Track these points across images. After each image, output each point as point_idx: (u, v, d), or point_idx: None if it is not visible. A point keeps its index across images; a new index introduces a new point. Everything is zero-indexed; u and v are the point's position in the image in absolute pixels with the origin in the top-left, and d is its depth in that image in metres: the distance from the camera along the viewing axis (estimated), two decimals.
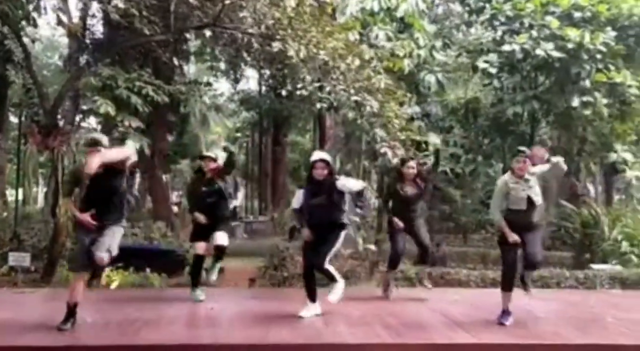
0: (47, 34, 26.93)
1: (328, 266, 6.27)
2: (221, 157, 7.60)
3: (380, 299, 7.44)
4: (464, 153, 14.61)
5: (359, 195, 6.37)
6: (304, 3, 9.32)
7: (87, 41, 15.27)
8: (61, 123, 12.63)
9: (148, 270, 9.68)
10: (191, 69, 28.57)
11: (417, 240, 7.30)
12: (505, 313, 6.03)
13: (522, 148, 6.37)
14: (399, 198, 7.30)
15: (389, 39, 13.48)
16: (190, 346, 5.14)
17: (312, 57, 9.23)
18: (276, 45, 9.24)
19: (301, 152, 30.59)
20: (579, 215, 13.56)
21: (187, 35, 15.76)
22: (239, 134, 36.46)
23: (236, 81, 26.58)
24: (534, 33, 12.70)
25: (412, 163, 7.40)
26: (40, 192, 35.18)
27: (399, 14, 14.08)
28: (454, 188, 17.01)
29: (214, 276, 7.18)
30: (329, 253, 6.28)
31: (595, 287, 9.64)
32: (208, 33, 13.45)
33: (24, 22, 11.43)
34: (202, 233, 7.17)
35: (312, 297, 6.31)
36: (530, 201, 6.01)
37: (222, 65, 22.88)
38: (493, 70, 13.29)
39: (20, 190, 23.69)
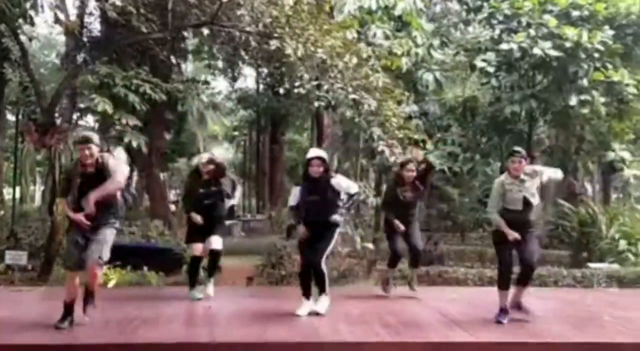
0: (45, 32, 26.87)
1: (324, 267, 6.28)
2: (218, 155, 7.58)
3: (379, 298, 7.44)
4: (461, 151, 14.60)
5: (350, 196, 6.34)
6: (301, 1, 9.33)
7: (85, 39, 15.23)
8: (58, 121, 12.61)
9: (145, 268, 9.68)
10: (189, 67, 28.57)
11: (410, 243, 7.29)
12: (503, 311, 6.02)
13: (517, 148, 6.34)
14: (399, 202, 7.30)
15: (386, 38, 13.49)
16: (188, 345, 5.13)
17: (309, 56, 9.23)
18: (274, 43, 9.24)
19: (299, 151, 30.57)
20: (577, 214, 13.57)
21: (185, 34, 15.76)
22: (236, 132, 36.45)
23: (234, 79, 26.58)
24: (532, 32, 12.70)
25: (410, 165, 7.39)
26: (37, 190, 35.12)
27: (397, 12, 14.09)
28: (451, 187, 16.99)
29: (210, 290, 7.14)
30: (325, 251, 6.28)
31: (592, 286, 9.66)
32: (206, 31, 13.46)
33: (21, 20, 11.42)
34: (197, 234, 7.14)
35: (308, 295, 6.31)
36: (526, 201, 6.00)
37: (220, 64, 22.86)
38: (491, 69, 13.29)
39: (18, 189, 23.68)
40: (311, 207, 6.24)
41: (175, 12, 12.24)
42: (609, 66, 12.77)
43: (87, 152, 5.36)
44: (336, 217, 6.26)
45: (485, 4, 14.00)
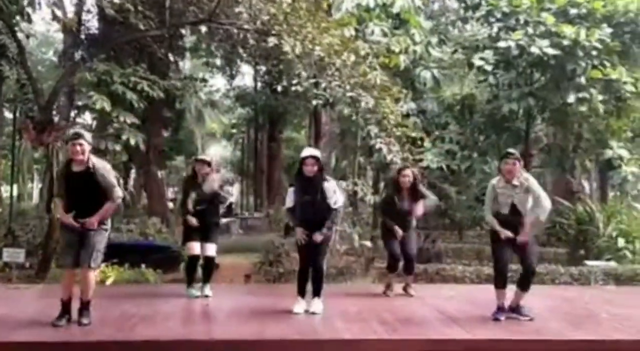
0: (42, 29, 26.87)
1: (325, 268, 6.32)
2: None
3: (376, 295, 7.45)
4: (459, 149, 14.61)
5: (331, 211, 6.24)
6: None
7: (82, 36, 15.23)
8: (56, 119, 12.61)
9: (143, 266, 9.68)
10: (187, 64, 28.51)
11: (405, 251, 7.31)
12: (500, 309, 6.03)
13: (511, 150, 6.29)
14: (395, 210, 7.32)
15: (384, 35, 13.49)
16: (186, 342, 5.14)
17: (307, 53, 9.21)
18: (271, 41, 9.23)
19: (297, 149, 30.51)
20: (574, 212, 13.60)
21: (183, 31, 15.75)
22: (234, 130, 36.42)
23: (232, 77, 26.61)
24: (530, 30, 12.70)
25: (407, 171, 7.39)
26: (35, 188, 35.11)
27: (395, 10, 14.10)
28: (449, 185, 17.02)
29: (207, 292, 7.14)
30: (325, 251, 6.37)
31: (589, 283, 9.68)
32: (203, 29, 13.43)
33: (18, 17, 11.36)
34: (194, 234, 7.14)
35: (303, 294, 6.34)
36: (514, 207, 5.98)
37: (218, 61, 22.88)
38: (488, 67, 13.28)
39: (15, 187, 23.66)
40: (305, 208, 6.23)
41: (173, 9, 12.23)
42: (607, 64, 12.76)
43: (78, 147, 5.38)
44: (325, 231, 6.23)
45: (483, 2, 13.99)
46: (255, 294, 7.80)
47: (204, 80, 24.28)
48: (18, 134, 20.65)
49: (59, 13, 12.57)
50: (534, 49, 12.33)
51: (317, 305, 6.20)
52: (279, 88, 18.23)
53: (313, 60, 9.50)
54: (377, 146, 10.40)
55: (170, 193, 31.80)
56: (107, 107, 13.08)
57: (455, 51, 15.30)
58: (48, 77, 20.54)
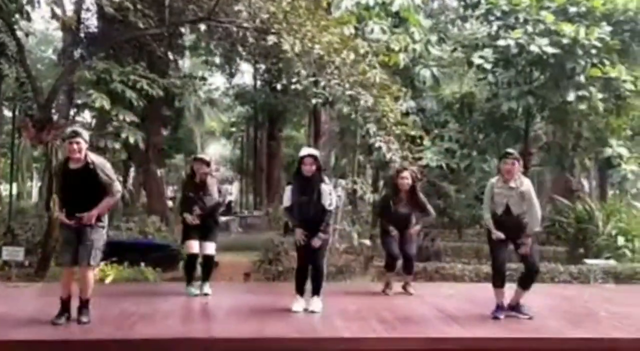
0: (41, 27, 26.81)
1: (325, 268, 6.31)
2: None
3: (376, 294, 7.45)
4: (459, 148, 14.61)
5: (325, 213, 6.22)
6: None
7: (82, 35, 15.21)
8: (55, 117, 12.58)
9: (143, 264, 9.68)
10: (186, 63, 28.52)
11: (403, 250, 7.33)
12: (500, 307, 6.04)
13: (510, 150, 6.30)
14: (393, 213, 7.35)
15: (384, 33, 13.48)
16: (186, 340, 5.14)
17: (307, 52, 9.21)
18: (271, 39, 9.21)
19: (296, 147, 30.49)
20: (574, 210, 13.62)
21: (182, 29, 15.74)
22: (233, 129, 36.40)
23: (231, 75, 26.59)
24: (529, 28, 12.70)
25: (405, 173, 7.39)
26: (34, 186, 35.07)
27: (394, 8, 14.10)
28: (448, 183, 17.03)
29: (207, 290, 7.14)
30: (324, 250, 6.39)
31: (589, 282, 9.69)
32: (203, 27, 13.42)
33: (17, 16, 11.35)
34: (193, 232, 7.14)
35: (302, 292, 6.34)
36: (508, 208, 5.99)
37: (217, 60, 22.86)
38: (488, 66, 13.28)
39: (15, 185, 23.65)
40: (303, 208, 6.22)
41: (172, 7, 12.22)
42: (607, 62, 12.77)
43: (75, 146, 5.38)
44: (322, 236, 6.22)
45: (482, 0, 13.99)
46: (254, 292, 7.80)
47: (203, 78, 24.25)
48: (17, 132, 20.65)
49: (58, 11, 12.55)
50: (533, 48, 12.33)
51: (316, 303, 6.20)
52: (279, 86, 18.15)
53: (312, 59, 9.49)
54: (377, 144, 10.39)
55: (169, 191, 31.82)
56: (107, 105, 13.05)
57: (454, 49, 15.29)
58: (47, 75, 20.51)
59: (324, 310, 6.12)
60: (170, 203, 22.99)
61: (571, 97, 12.55)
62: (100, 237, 5.52)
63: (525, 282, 6.08)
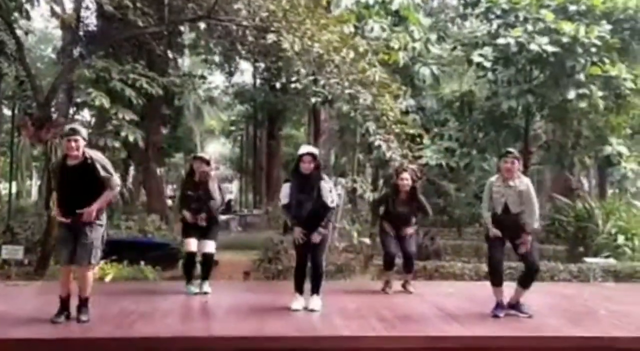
0: (41, 26, 26.84)
1: (324, 266, 6.34)
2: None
3: (375, 292, 7.45)
4: (458, 146, 14.59)
5: (326, 210, 6.23)
6: None
7: (81, 33, 15.20)
8: (55, 115, 12.57)
9: (142, 263, 9.67)
10: (185, 61, 28.50)
11: (403, 249, 7.36)
12: (499, 306, 6.04)
13: (510, 149, 6.33)
14: (393, 213, 7.38)
15: (383, 31, 13.47)
16: (185, 339, 5.14)
17: (306, 50, 9.19)
18: (270, 38, 9.20)
19: (296, 146, 30.45)
20: (573, 209, 13.61)
21: (181, 28, 15.75)
22: (233, 127, 36.38)
23: (230, 74, 26.52)
24: (529, 26, 12.68)
25: (405, 174, 7.41)
26: (34, 185, 35.03)
27: (394, 7, 14.08)
28: (448, 182, 17.03)
29: (206, 288, 7.13)
30: (324, 248, 6.38)
31: (588, 280, 9.69)
32: (202, 25, 13.44)
33: (16, 14, 11.34)
34: (191, 230, 7.14)
35: (301, 290, 6.35)
36: (506, 207, 5.99)
37: (217, 58, 22.79)
38: (488, 64, 13.25)
39: (14, 184, 23.62)
40: (302, 205, 6.20)
41: (171, 6, 12.22)
42: (606, 61, 12.75)
43: (73, 144, 5.38)
44: (322, 231, 6.22)
45: None
46: (254, 291, 7.80)
47: (202, 77, 24.23)
48: (17, 131, 20.59)
49: (57, 9, 12.56)
50: (533, 46, 12.31)
51: (316, 302, 6.20)
52: (278, 85, 18.19)
53: (312, 57, 9.47)
54: (377, 143, 10.39)
55: (169, 190, 31.80)
56: (106, 103, 13.05)
57: (454, 48, 15.27)
58: (47, 73, 20.48)
59: (324, 309, 6.12)
60: (169, 202, 22.96)
61: (571, 94, 12.53)
62: (98, 235, 5.52)
63: (525, 281, 6.08)
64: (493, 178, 6.21)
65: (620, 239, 11.86)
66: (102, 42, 13.91)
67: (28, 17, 12.10)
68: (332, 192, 6.29)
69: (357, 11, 13.46)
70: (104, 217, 5.62)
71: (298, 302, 6.21)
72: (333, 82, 9.77)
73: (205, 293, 7.03)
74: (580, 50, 12.44)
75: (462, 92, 15.78)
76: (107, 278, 8.68)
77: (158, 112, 18.86)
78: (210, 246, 7.15)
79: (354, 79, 9.57)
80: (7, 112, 22.76)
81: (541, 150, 16.00)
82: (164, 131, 22.16)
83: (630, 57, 13.92)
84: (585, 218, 12.93)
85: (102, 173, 5.43)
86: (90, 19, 16.06)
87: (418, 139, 11.24)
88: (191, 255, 7.17)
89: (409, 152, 10.07)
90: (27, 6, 11.25)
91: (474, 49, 13.84)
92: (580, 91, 12.52)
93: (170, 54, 17.81)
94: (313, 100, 12.85)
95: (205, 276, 7.18)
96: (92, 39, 14.71)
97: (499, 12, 13.42)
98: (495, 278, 6.09)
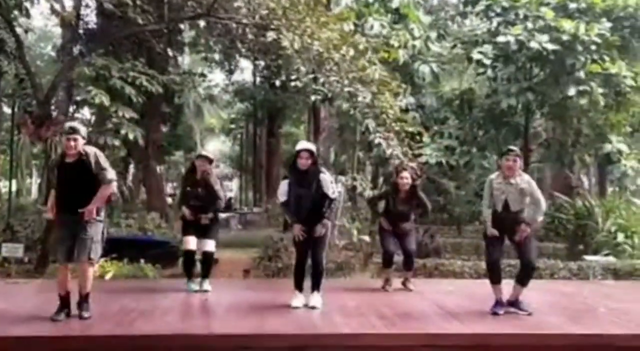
0: (40, 24, 26.83)
1: (324, 263, 6.35)
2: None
3: (375, 290, 7.45)
4: (458, 144, 14.60)
5: (329, 201, 6.24)
6: None
7: (81, 31, 15.19)
8: (55, 113, 12.59)
9: (142, 260, 9.67)
10: (185, 59, 28.45)
11: (403, 247, 7.38)
12: (499, 303, 6.04)
13: (512, 147, 6.33)
14: (393, 211, 7.39)
15: (383, 29, 13.48)
16: (185, 336, 5.14)
17: (306, 48, 9.19)
18: (270, 36, 9.20)
19: (295, 144, 30.46)
20: (573, 207, 13.61)
21: (181, 26, 15.74)
22: (233, 125, 36.38)
23: (230, 72, 26.50)
24: (529, 24, 12.68)
25: (405, 173, 7.42)
26: (33, 183, 35.04)
27: (394, 4, 14.11)
28: (448, 180, 17.02)
29: (206, 286, 7.14)
30: (324, 245, 6.38)
31: (588, 278, 9.69)
32: (202, 23, 13.43)
33: (16, 12, 11.34)
34: (190, 228, 7.14)
35: (301, 287, 6.35)
36: (506, 205, 5.99)
37: (217, 56, 22.78)
38: (487, 61, 13.26)
39: (14, 182, 23.61)
40: (301, 201, 6.20)
41: (171, 4, 12.21)
42: (606, 58, 12.75)
43: (72, 142, 5.39)
44: (325, 222, 6.22)
45: None
46: (254, 289, 7.80)
47: (202, 75, 24.22)
48: (17, 129, 20.59)
49: (57, 7, 12.56)
50: (533, 44, 12.31)
51: (316, 299, 6.20)
52: (278, 83, 18.15)
53: (312, 55, 9.47)
54: (377, 141, 10.39)
55: (169, 188, 31.81)
56: (106, 101, 13.04)
57: (454, 46, 15.27)
58: (46, 71, 20.49)
59: (324, 307, 6.12)
60: (169, 199, 22.97)
61: (572, 91, 12.52)
62: (98, 231, 5.51)
63: (522, 279, 6.09)
64: (493, 176, 6.21)
65: (620, 237, 11.86)
66: (102, 40, 13.90)
67: (28, 15, 12.11)
68: (332, 183, 6.30)
69: (357, 9, 13.48)
70: (103, 213, 5.61)
71: (298, 300, 6.22)
72: (333, 80, 9.77)
73: (206, 291, 7.03)
74: (580, 48, 12.44)
75: (462, 90, 15.79)
76: (107, 276, 8.69)
77: (158, 110, 18.85)
78: (210, 245, 7.15)
79: (354, 76, 9.57)
80: (7, 110, 22.76)
81: (541, 147, 16.01)
82: (164, 129, 22.15)
83: (630, 54, 13.92)
84: (585, 216, 12.93)
85: (95, 168, 5.41)
86: (90, 17, 16.06)
87: (418, 137, 11.24)
88: (189, 254, 7.16)
89: (408, 150, 10.07)
90: (27, 4, 11.27)
91: (473, 46, 13.84)
92: (581, 88, 12.51)
93: (170, 52, 17.79)
94: (313, 98, 12.84)
95: (205, 274, 7.18)
96: (92, 36, 14.70)
97: (499, 10, 13.43)
98: (492, 276, 6.10)
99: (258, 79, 26.71)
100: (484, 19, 14.19)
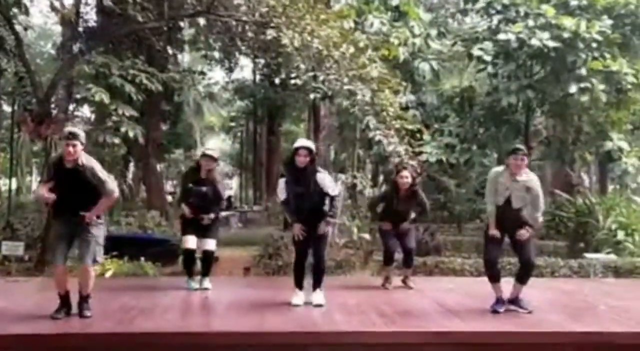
0: (40, 21, 26.75)
1: (325, 258, 6.36)
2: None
3: (375, 288, 7.45)
4: (458, 142, 14.58)
5: (331, 200, 6.25)
6: None
7: (81, 29, 15.16)
8: (54, 111, 12.57)
9: (142, 259, 9.67)
10: (185, 57, 28.41)
11: (403, 244, 7.39)
12: (499, 301, 6.04)
13: (520, 146, 6.33)
14: (392, 210, 7.39)
15: (383, 26, 13.46)
16: (186, 334, 5.14)
17: (306, 46, 9.17)
18: (270, 33, 9.18)
19: (295, 141, 30.47)
20: (574, 205, 13.60)
21: (181, 23, 15.69)
22: (233, 123, 36.35)
23: (230, 70, 26.48)
24: (530, 22, 12.66)
25: (405, 172, 7.42)
26: (33, 181, 35.02)
27: (394, 2, 14.09)
28: (448, 178, 17.01)
29: (207, 284, 7.13)
30: (325, 242, 6.39)
31: (589, 276, 9.68)
32: (202, 21, 13.39)
33: (15, 9, 11.32)
34: (189, 227, 7.13)
35: (301, 285, 6.35)
36: (508, 201, 5.98)
37: (216, 54, 22.76)
38: (487, 57, 13.23)
39: (14, 180, 23.59)
40: (301, 200, 6.18)
41: (171, 1, 12.16)
42: (607, 56, 12.73)
43: (71, 148, 5.34)
44: (330, 220, 6.24)
45: None
46: (254, 287, 7.81)
47: (202, 73, 24.19)
48: (16, 127, 20.55)
49: (57, 5, 12.53)
50: (534, 41, 12.28)
51: (320, 297, 6.19)
52: (278, 81, 18.20)
53: (312, 53, 9.45)
54: (377, 138, 10.37)
55: (169, 186, 31.80)
56: (106, 99, 13.03)
57: (454, 43, 15.25)
58: (46, 69, 20.44)
59: (324, 305, 6.11)
60: (169, 198, 22.95)
61: (573, 89, 12.50)
62: (101, 233, 5.52)
63: (522, 277, 6.10)
64: (499, 169, 6.17)
65: (621, 235, 11.85)
66: (102, 38, 13.88)
67: (27, 13, 12.09)
68: (331, 181, 6.30)
69: (357, 6, 13.45)
70: (103, 215, 5.61)
71: (298, 297, 6.21)
72: (333, 78, 9.74)
73: (206, 289, 7.03)
74: (581, 45, 12.43)
75: (462, 87, 15.77)
76: (108, 274, 8.68)
77: (158, 108, 18.84)
78: (210, 244, 7.14)
79: (354, 74, 9.55)
80: (6, 108, 22.72)
81: (542, 145, 15.99)
82: (164, 127, 22.14)
83: (631, 52, 13.89)
84: (586, 213, 12.92)
85: (94, 181, 5.38)
86: (90, 15, 16.02)
87: (418, 135, 11.22)
88: (188, 252, 7.15)
89: (409, 147, 10.06)
90: (26, 2, 11.25)
91: (474, 44, 13.81)
92: (582, 85, 12.49)
93: (170, 50, 17.78)
94: (313, 96, 12.83)
95: (205, 273, 7.18)
96: (91, 34, 14.67)
97: (499, 8, 13.41)
98: (490, 274, 6.10)
99: (258, 77, 26.70)
100: (485, 16, 14.17)
